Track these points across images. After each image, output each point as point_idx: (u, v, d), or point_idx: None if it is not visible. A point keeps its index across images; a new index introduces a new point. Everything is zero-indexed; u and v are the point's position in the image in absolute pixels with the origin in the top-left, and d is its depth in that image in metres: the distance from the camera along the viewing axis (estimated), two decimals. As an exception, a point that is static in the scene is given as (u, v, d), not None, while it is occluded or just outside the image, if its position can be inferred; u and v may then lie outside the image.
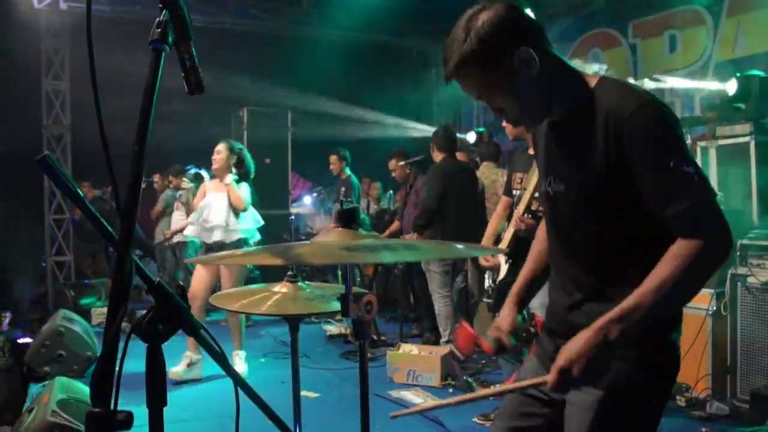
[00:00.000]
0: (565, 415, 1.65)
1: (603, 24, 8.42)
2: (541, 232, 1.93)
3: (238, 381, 1.28)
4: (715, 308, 4.26)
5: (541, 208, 1.79)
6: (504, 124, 3.84)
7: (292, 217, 9.51)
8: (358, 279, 7.67)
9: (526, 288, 1.89)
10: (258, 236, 5.63)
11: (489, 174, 6.09)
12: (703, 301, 4.32)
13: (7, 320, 8.75)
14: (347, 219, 1.13)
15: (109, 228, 1.18)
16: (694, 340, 4.33)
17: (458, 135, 6.55)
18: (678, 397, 4.30)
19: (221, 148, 5.44)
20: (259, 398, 1.32)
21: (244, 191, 5.34)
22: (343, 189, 7.80)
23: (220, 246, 5.28)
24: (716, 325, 4.27)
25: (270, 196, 9.04)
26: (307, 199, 10.49)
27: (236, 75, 8.84)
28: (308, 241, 1.20)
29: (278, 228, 8.82)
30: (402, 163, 6.34)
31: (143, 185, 4.96)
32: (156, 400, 1.21)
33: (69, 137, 8.91)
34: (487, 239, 4.12)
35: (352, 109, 10.43)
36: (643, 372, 1.57)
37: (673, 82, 6.48)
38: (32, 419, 2.94)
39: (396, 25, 10.63)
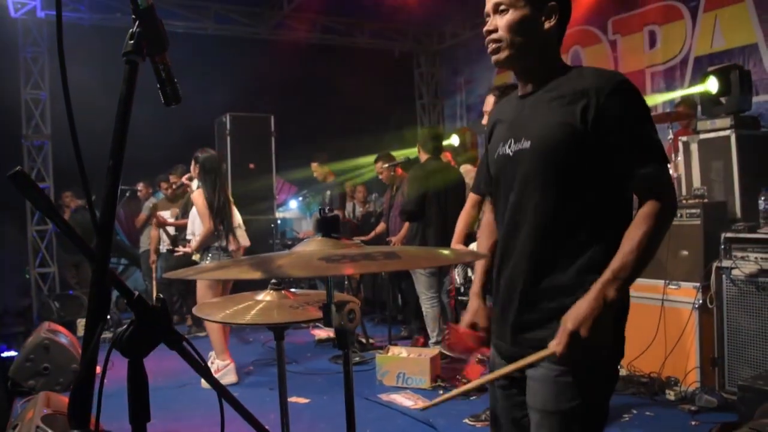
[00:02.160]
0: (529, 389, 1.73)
1: (583, 21, 8.47)
2: (487, 223, 2.03)
3: (222, 393, 1.26)
4: (701, 302, 4.28)
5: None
6: (484, 122, 3.85)
7: (279, 221, 9.48)
8: (346, 282, 7.65)
9: (487, 279, 1.99)
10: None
11: (471, 175, 6.10)
12: (689, 294, 4.35)
13: (-12, 334, 8.65)
14: (328, 227, 1.12)
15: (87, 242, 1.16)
16: (681, 334, 4.35)
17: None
18: (667, 391, 4.32)
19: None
20: (245, 409, 1.30)
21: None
22: (328, 193, 7.80)
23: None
24: (703, 318, 4.30)
25: (255, 202, 9.02)
26: (293, 204, 10.45)
27: (218, 80, 8.79)
28: (287, 251, 1.18)
29: (264, 233, 8.79)
30: (386, 165, 6.33)
31: (128, 194, 4.90)
32: (139, 415, 1.19)
33: (50, 147, 8.81)
34: (458, 236, 4.14)
35: (336, 113, 10.41)
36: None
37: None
38: (17, 436, 2.90)
39: (378, 28, 10.64)
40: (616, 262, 1.57)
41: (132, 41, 1.02)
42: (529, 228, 1.69)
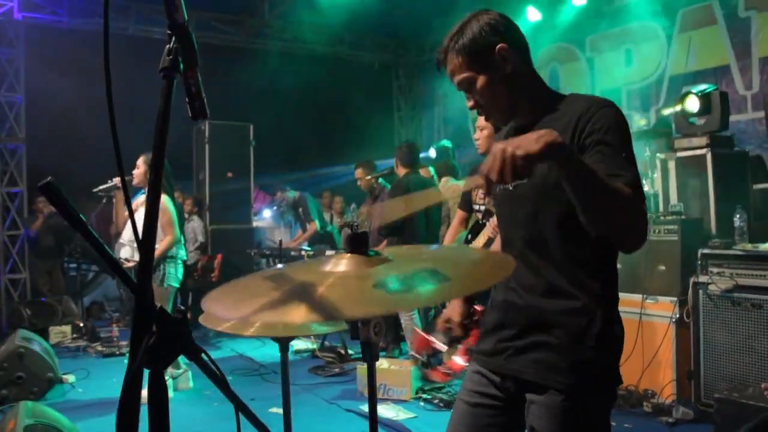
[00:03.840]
0: (530, 413, 1.72)
1: (561, 38, 8.61)
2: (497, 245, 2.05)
3: (240, 406, 1.27)
4: (678, 316, 4.38)
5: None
6: (476, 137, 3.91)
7: (255, 230, 9.45)
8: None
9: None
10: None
11: (452, 187, 6.12)
12: (666, 309, 4.45)
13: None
14: (358, 244, 1.12)
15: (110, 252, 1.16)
16: (659, 348, 4.44)
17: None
18: (644, 403, 4.40)
19: (140, 162, 5.25)
20: (260, 422, 1.31)
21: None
22: (300, 209, 7.85)
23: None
24: (679, 332, 4.39)
25: (233, 210, 8.98)
26: (267, 213, 10.43)
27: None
28: (326, 274, 1.16)
29: (241, 242, 8.75)
30: (369, 177, 6.34)
31: (104, 200, 4.78)
32: (158, 428, 1.19)
33: (24, 150, 8.66)
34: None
35: (314, 122, 10.44)
36: (599, 367, 1.68)
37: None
38: (-1, 446, 2.85)
39: (358, 39, 10.69)
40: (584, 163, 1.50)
41: (169, 56, 1.03)
42: (535, 259, 1.72)
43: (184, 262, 5.31)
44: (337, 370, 5.81)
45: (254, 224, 9.64)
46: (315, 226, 8.20)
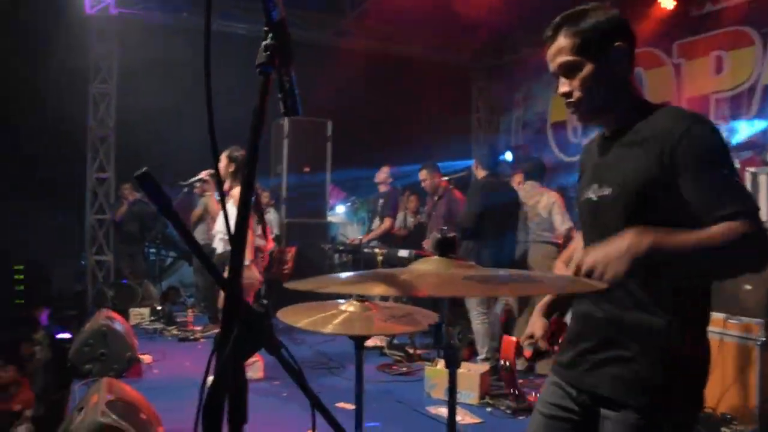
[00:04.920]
0: (603, 429, 1.68)
1: (647, 43, 8.34)
2: (573, 251, 2.01)
3: (316, 402, 1.28)
4: (764, 338, 4.16)
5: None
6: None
7: (329, 225, 9.56)
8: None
9: (556, 300, 1.96)
10: None
11: (533, 194, 6.01)
12: (751, 330, 4.23)
13: (45, 315, 8.94)
14: (445, 247, 1.11)
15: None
16: (741, 371, 4.23)
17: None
18: (723, 429, 4.20)
19: (222, 156, 5.26)
20: (335, 420, 1.32)
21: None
22: (381, 201, 7.84)
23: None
24: (764, 355, 4.17)
25: (308, 205, 9.11)
26: (340, 209, 10.53)
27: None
28: (412, 269, 1.18)
29: (316, 236, 8.87)
30: (445, 178, 6.32)
31: (186, 189, 4.95)
32: (237, 417, 1.21)
33: (113, 139, 9.08)
34: (564, 260, 4.11)
35: (391, 122, 10.47)
36: (679, 388, 1.62)
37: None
38: (82, 418, 2.99)
39: (437, 40, 10.66)
40: (675, 237, 1.45)
41: (266, 53, 1.05)
42: None
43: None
44: (404, 369, 5.81)
45: (328, 219, 9.76)
46: (391, 222, 8.21)
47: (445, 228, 1.15)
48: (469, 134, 11.77)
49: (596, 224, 1.75)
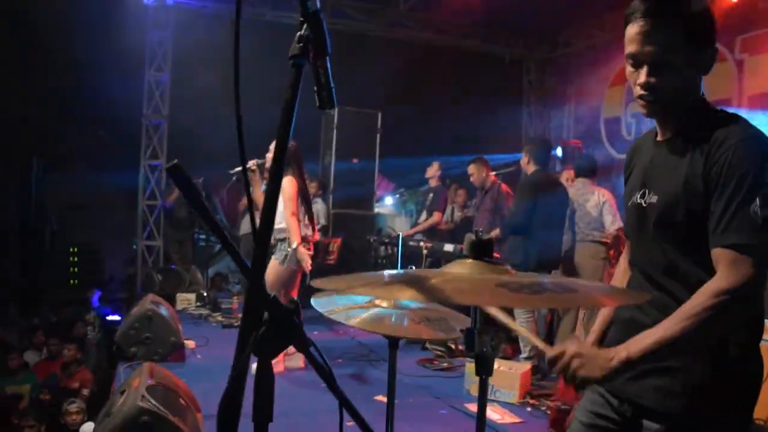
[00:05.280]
0: None
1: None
2: (623, 269, 1.91)
3: (344, 401, 1.25)
4: (823, 349, 3.96)
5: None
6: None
7: (377, 216, 9.55)
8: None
9: (607, 327, 1.86)
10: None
11: (584, 192, 5.86)
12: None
13: (96, 296, 9.21)
14: (481, 250, 1.06)
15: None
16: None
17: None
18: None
19: (273, 146, 5.27)
20: (362, 418, 1.29)
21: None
22: (431, 195, 7.79)
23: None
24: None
25: (356, 197, 9.12)
26: (389, 200, 10.51)
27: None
28: (443, 272, 1.13)
29: (362, 228, 8.87)
30: (493, 173, 6.23)
31: (235, 178, 4.96)
32: (262, 416, 1.19)
33: (166, 127, 9.26)
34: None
35: (441, 114, 10.38)
36: (726, 400, 1.54)
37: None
38: (123, 401, 3.04)
39: (490, 32, 10.51)
40: (652, 333, 1.46)
41: (300, 44, 1.02)
42: (661, 280, 1.61)
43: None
44: (445, 364, 5.76)
45: (376, 210, 9.74)
46: (439, 216, 8.15)
47: (480, 231, 1.09)
48: (520, 127, 11.59)
49: (643, 231, 1.68)
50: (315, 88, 1.11)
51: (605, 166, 8.91)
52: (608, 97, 9.76)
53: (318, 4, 1.05)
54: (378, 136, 9.25)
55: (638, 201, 1.69)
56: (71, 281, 10.33)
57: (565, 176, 6.29)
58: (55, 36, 8.33)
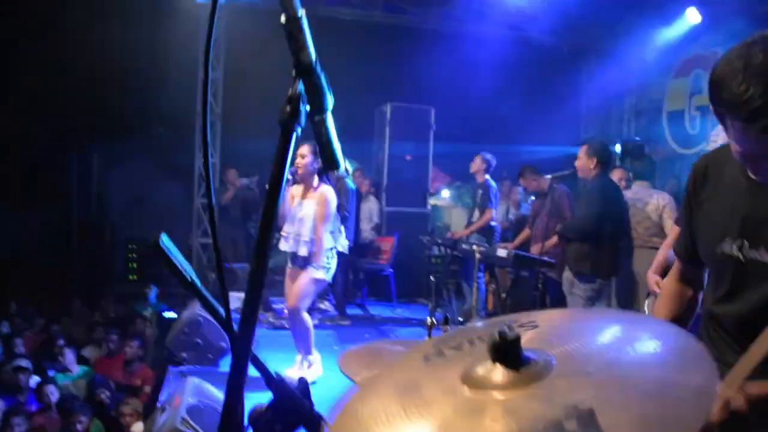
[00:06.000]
0: None
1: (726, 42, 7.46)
2: (671, 293, 1.74)
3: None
4: None
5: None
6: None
7: (430, 213, 9.38)
8: (492, 285, 7.42)
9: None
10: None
11: (642, 195, 5.50)
12: None
13: (153, 293, 9.36)
14: (506, 354, 0.80)
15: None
16: None
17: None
18: None
19: (305, 151, 4.73)
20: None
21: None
22: (480, 192, 7.58)
23: (304, 261, 4.85)
24: None
25: (409, 194, 8.98)
26: (446, 193, 10.32)
27: (382, 69, 8.81)
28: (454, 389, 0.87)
29: (415, 226, 8.71)
30: (549, 176, 5.96)
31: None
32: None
33: (219, 125, 9.30)
34: (657, 268, 3.78)
35: (499, 106, 10.11)
36: None
37: None
38: (163, 423, 3.01)
39: (548, 23, 10.14)
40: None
41: (289, 105, 0.86)
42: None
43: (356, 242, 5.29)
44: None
45: (431, 203, 9.58)
46: (491, 214, 7.93)
47: (507, 325, 0.89)
48: (578, 121, 11.21)
49: (742, 286, 1.50)
50: (317, 147, 0.96)
51: (668, 159, 8.51)
52: (671, 90, 9.33)
53: (314, 57, 0.89)
54: (431, 132, 9.08)
55: (734, 253, 1.49)
56: (130, 276, 10.54)
57: (618, 176, 5.88)
58: (113, 35, 8.48)
